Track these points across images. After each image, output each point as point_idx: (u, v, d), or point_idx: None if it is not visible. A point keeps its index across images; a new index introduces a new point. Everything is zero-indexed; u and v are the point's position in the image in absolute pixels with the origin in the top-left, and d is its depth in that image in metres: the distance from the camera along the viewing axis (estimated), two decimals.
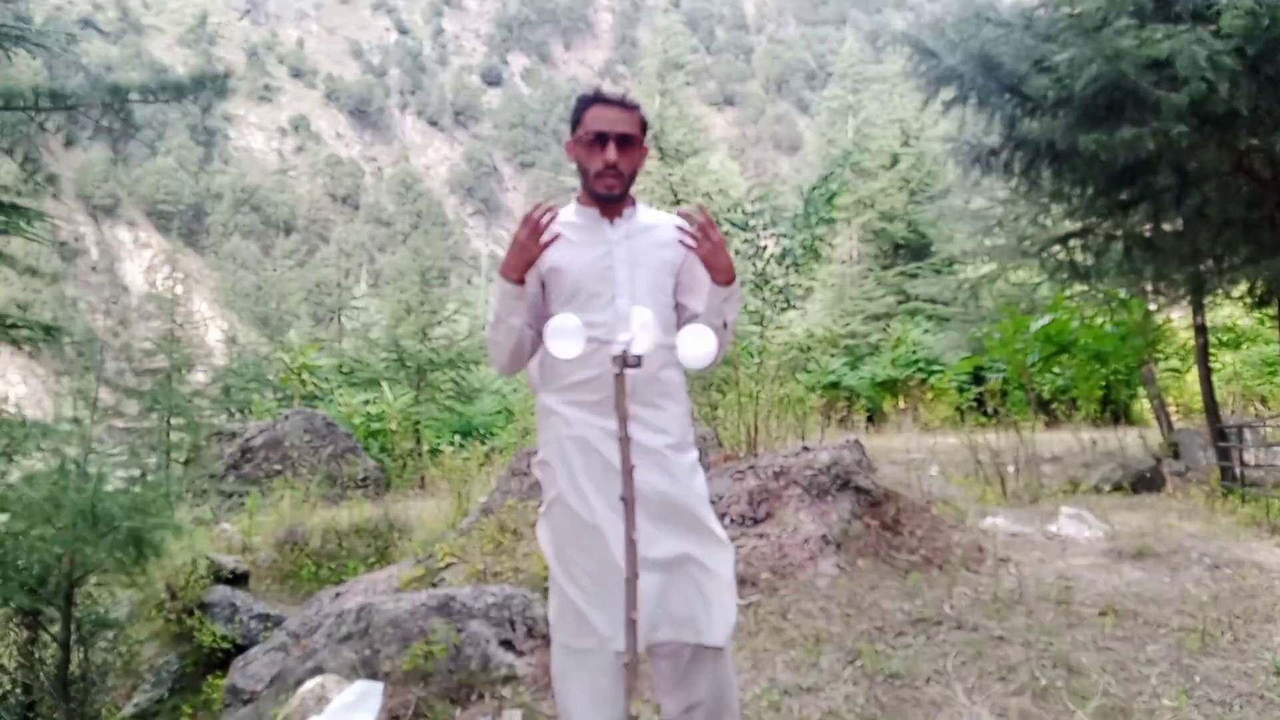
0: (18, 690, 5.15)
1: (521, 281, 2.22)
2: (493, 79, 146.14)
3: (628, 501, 1.80)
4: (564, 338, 1.85)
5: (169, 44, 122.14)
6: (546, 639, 3.46)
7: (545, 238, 2.16)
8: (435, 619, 3.26)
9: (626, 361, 1.84)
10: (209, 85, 5.06)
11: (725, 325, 2.33)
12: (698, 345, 1.92)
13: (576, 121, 2.39)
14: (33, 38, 7.46)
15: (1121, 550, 4.94)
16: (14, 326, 8.73)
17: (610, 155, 2.31)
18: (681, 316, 2.42)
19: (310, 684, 3.02)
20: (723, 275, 2.26)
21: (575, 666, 2.26)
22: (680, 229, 2.23)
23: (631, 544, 1.79)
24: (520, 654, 3.36)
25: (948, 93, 6.85)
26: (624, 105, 2.36)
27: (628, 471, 1.82)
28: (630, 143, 2.35)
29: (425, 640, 3.16)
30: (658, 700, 2.42)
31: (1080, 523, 5.59)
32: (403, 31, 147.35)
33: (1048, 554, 5.03)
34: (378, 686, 2.63)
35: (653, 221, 2.45)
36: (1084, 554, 5.00)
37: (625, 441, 1.81)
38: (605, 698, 2.24)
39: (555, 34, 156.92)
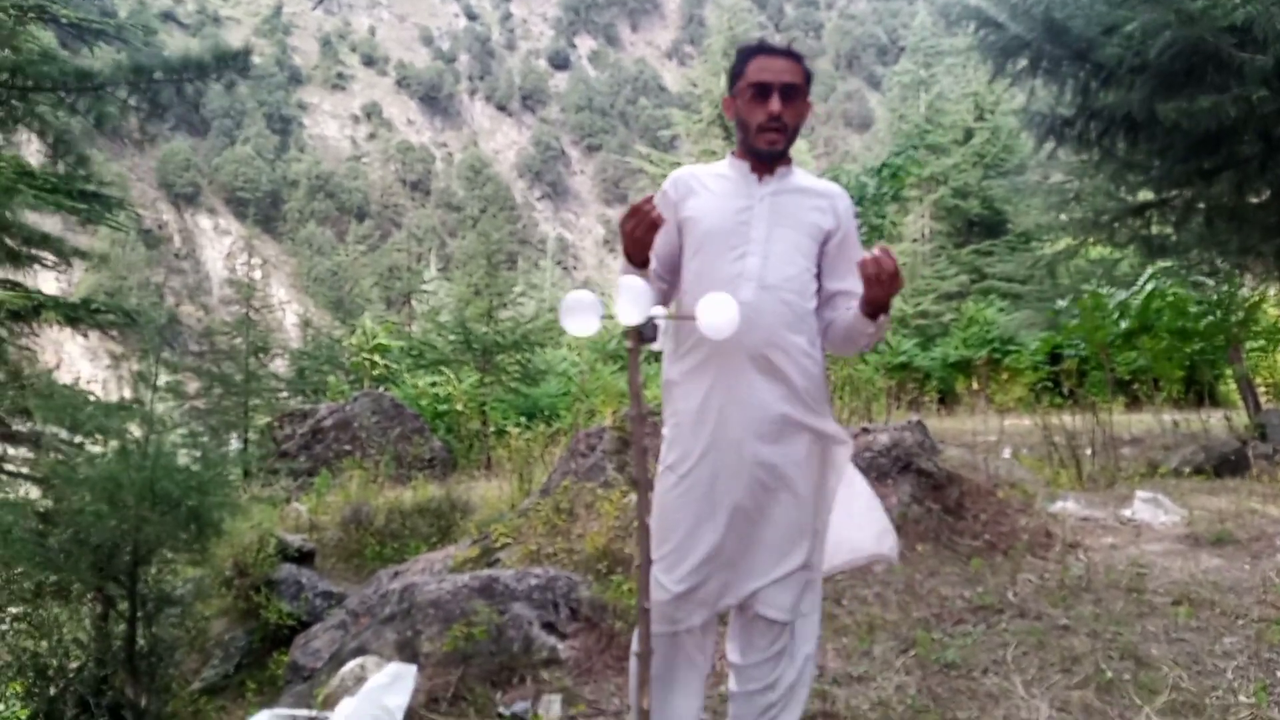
0: (91, 663, 5.31)
1: (645, 264, 2.12)
2: (560, 62, 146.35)
3: (639, 484, 1.72)
4: (577, 314, 1.76)
5: (246, 35, 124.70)
6: (590, 622, 3.41)
7: (654, 215, 2.04)
8: (477, 600, 3.23)
9: (642, 335, 1.75)
10: (231, 63, 5.09)
11: (866, 344, 2.23)
12: (717, 313, 1.82)
13: (737, 75, 2.27)
14: (113, 32, 7.68)
15: (1199, 536, 4.70)
16: (98, 312, 9.02)
17: (774, 106, 2.18)
18: (822, 295, 2.28)
19: (351, 664, 3.02)
20: (873, 311, 2.11)
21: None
22: (862, 261, 2.05)
23: (645, 529, 1.71)
24: (563, 636, 3.31)
25: (1017, 64, 6.59)
26: (789, 55, 2.24)
27: (640, 450, 1.73)
28: (795, 93, 2.22)
29: (466, 622, 3.13)
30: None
31: (1156, 507, 5.34)
32: (471, 17, 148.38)
33: (1120, 540, 4.82)
34: (410, 669, 2.61)
35: (807, 184, 2.32)
36: (1159, 540, 4.77)
37: (639, 419, 1.72)
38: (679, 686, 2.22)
39: (622, 15, 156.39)
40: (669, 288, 2.30)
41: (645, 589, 1.71)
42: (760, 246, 2.20)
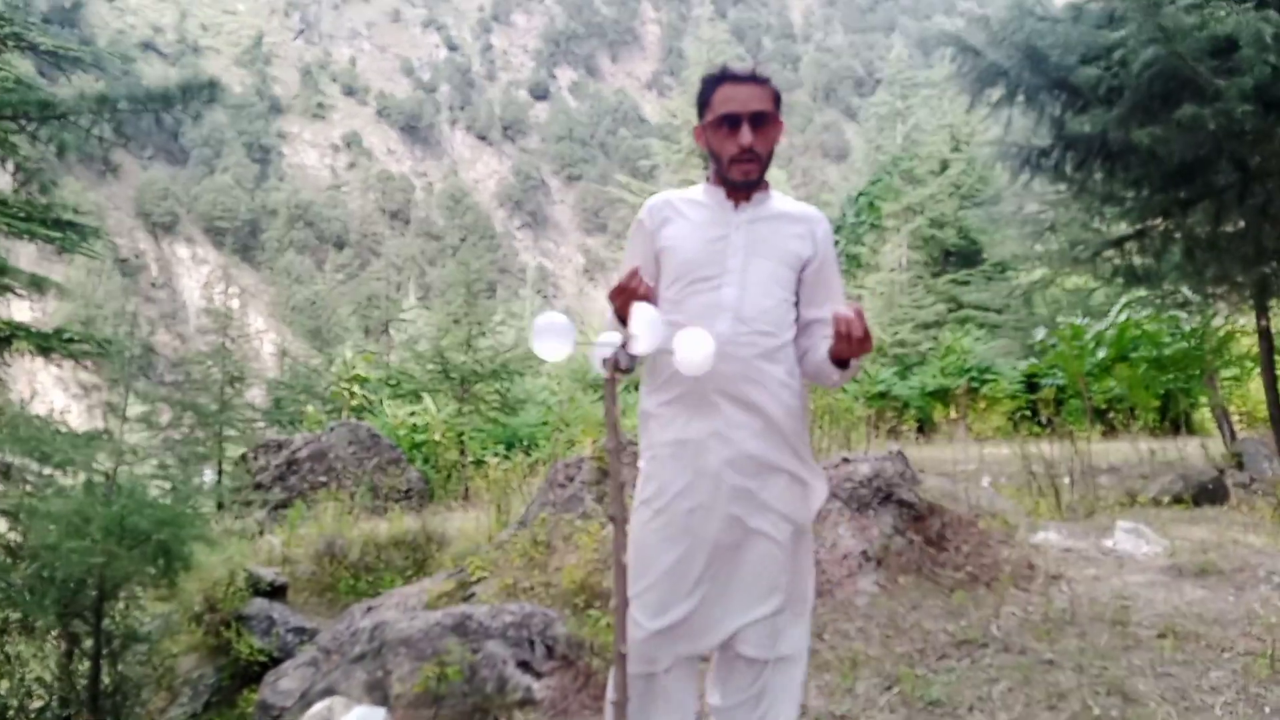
0: (54, 703, 5.16)
1: None
2: (540, 93, 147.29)
3: (616, 520, 1.66)
4: (549, 338, 1.70)
5: (226, 65, 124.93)
6: (566, 660, 3.33)
7: (642, 290, 2.00)
8: (450, 638, 3.14)
9: (619, 365, 1.70)
10: (198, 94, 5.03)
11: (837, 381, 2.18)
12: (693, 350, 1.77)
13: (704, 105, 2.21)
14: (89, 59, 7.60)
15: (1182, 567, 4.67)
16: (71, 341, 8.87)
17: (745, 139, 2.14)
18: (800, 323, 2.24)
19: (318, 706, 2.92)
20: (840, 359, 2.08)
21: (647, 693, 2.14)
22: (835, 315, 2.01)
23: (621, 568, 1.64)
24: (538, 675, 3.22)
25: (994, 92, 6.61)
26: (755, 80, 2.18)
27: (617, 487, 1.67)
28: (765, 120, 2.17)
29: (439, 661, 3.04)
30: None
31: (1138, 537, 5.31)
32: (452, 48, 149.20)
33: (1103, 571, 4.78)
34: (379, 713, 2.52)
35: (785, 210, 2.26)
36: (1142, 571, 4.74)
37: (616, 452, 1.66)
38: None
39: (602, 47, 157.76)
40: None
41: (622, 633, 1.64)
42: (737, 277, 2.16)
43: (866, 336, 1.97)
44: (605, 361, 1.72)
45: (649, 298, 2.00)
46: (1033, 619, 3.92)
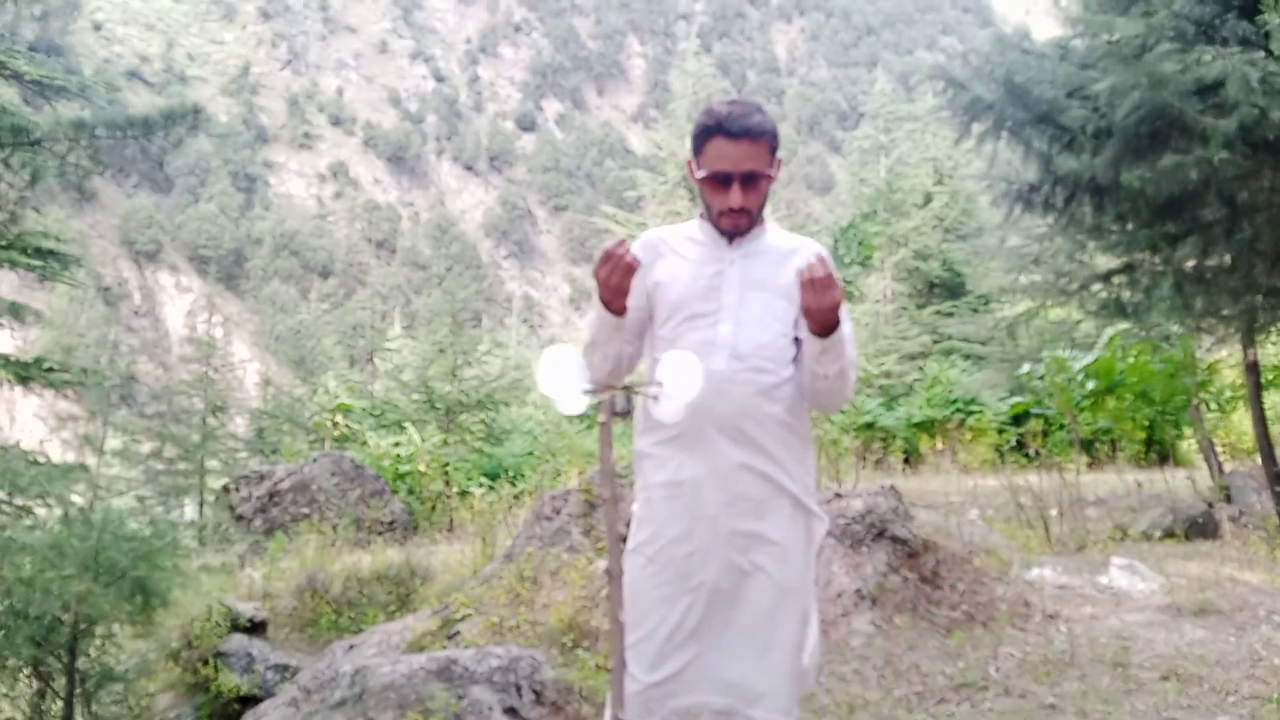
0: None
1: (622, 311, 2.02)
2: (527, 124, 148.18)
3: (612, 575, 1.58)
4: (555, 372, 1.62)
5: (212, 94, 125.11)
6: (555, 706, 3.23)
7: (629, 259, 1.96)
8: (435, 684, 3.04)
9: (615, 409, 1.63)
10: (181, 121, 4.96)
11: (828, 376, 2.06)
12: (671, 405, 1.71)
13: (697, 150, 2.14)
14: (74, 88, 7.54)
15: (1181, 605, 4.60)
16: (51, 370, 8.73)
17: (735, 200, 2.08)
18: (800, 352, 2.16)
19: None
20: (818, 327, 1.99)
21: None
22: (799, 272, 1.96)
23: (618, 625, 1.56)
24: None
25: (980, 126, 6.61)
26: (750, 137, 2.07)
27: (614, 539, 1.59)
28: (757, 179, 2.10)
29: (423, 709, 2.93)
30: None
31: (1133, 574, 5.25)
32: (439, 79, 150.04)
33: (1100, 609, 4.71)
34: None
35: (781, 244, 2.20)
36: (1139, 609, 4.67)
37: (611, 502, 1.59)
38: None
39: (588, 80, 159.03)
40: (635, 352, 2.20)
41: (619, 696, 1.55)
42: (732, 313, 2.10)
43: (830, 280, 1.91)
44: (601, 404, 1.65)
45: (635, 269, 1.96)
46: (1032, 660, 3.85)
